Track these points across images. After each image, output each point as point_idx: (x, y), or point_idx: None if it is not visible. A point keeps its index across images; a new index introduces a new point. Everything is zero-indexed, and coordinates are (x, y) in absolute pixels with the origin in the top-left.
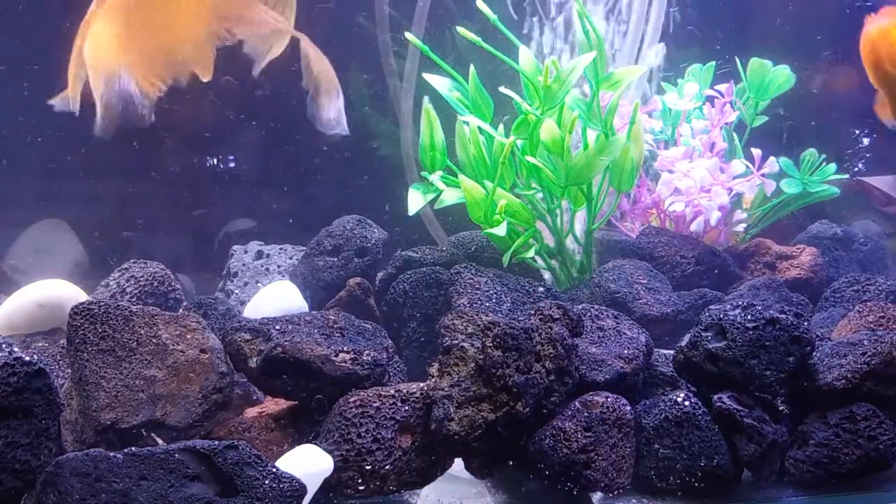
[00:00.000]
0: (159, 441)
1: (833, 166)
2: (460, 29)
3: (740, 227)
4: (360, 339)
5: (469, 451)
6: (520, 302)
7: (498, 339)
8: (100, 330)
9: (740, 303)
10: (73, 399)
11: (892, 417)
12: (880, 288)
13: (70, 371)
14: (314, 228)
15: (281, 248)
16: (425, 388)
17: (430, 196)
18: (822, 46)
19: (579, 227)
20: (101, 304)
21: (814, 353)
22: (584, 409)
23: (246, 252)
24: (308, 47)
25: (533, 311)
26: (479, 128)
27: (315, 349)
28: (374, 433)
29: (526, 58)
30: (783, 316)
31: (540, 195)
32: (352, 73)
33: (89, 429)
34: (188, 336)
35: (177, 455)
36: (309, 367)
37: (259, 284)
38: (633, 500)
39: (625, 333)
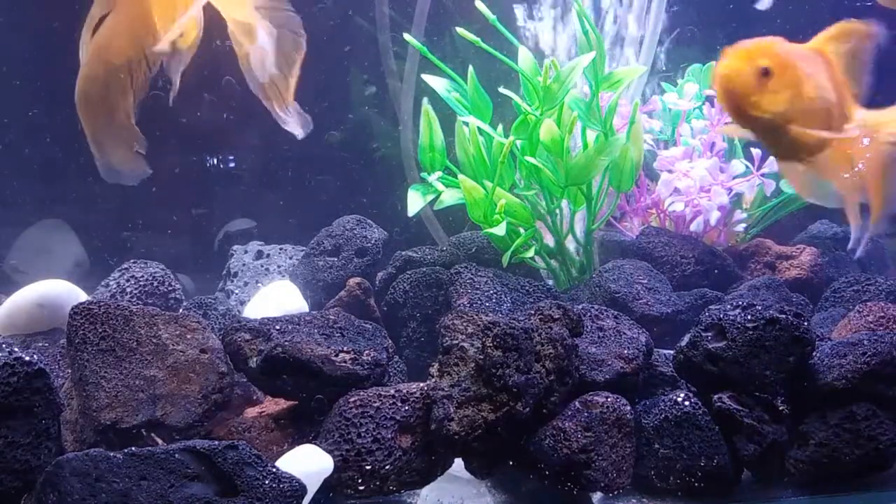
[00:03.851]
0: (159, 441)
1: None
2: (459, 30)
3: (740, 227)
4: (360, 339)
5: (469, 451)
6: (520, 302)
7: (498, 339)
8: (100, 330)
9: (740, 303)
10: (73, 399)
11: (892, 417)
12: (880, 288)
13: (70, 371)
14: (314, 228)
15: (281, 248)
16: (425, 388)
17: (430, 197)
18: None
19: (579, 227)
20: (101, 304)
21: (814, 353)
22: (584, 409)
23: (246, 252)
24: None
25: (533, 311)
26: (479, 128)
27: (315, 349)
28: (374, 433)
29: (525, 58)
30: (783, 316)
31: (540, 195)
32: (352, 73)
33: (89, 429)
34: (188, 336)
35: (177, 455)
36: (309, 367)
37: (259, 284)
38: (633, 500)
39: (625, 333)
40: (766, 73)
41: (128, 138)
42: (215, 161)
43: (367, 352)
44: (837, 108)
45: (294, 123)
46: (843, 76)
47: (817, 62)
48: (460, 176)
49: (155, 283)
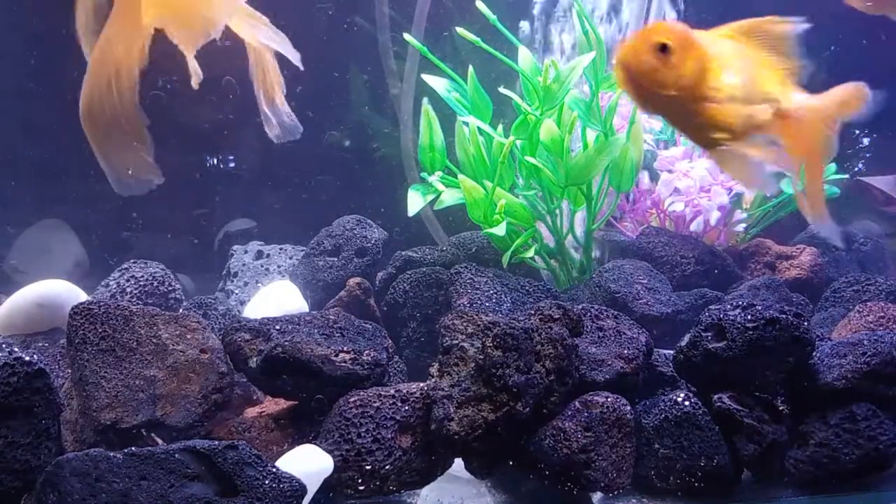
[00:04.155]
0: (159, 441)
1: (833, 166)
2: (459, 30)
3: (740, 227)
4: (360, 339)
5: (469, 451)
6: (520, 302)
7: (498, 339)
8: (100, 330)
9: (740, 303)
10: (73, 399)
11: (892, 417)
12: (880, 288)
13: (70, 371)
14: (314, 228)
15: (281, 248)
16: (425, 388)
17: (430, 197)
18: (822, 46)
19: (579, 228)
20: (101, 304)
21: (814, 353)
22: (584, 409)
23: (246, 252)
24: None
25: (533, 311)
26: (479, 128)
27: (315, 349)
28: (374, 433)
29: (525, 58)
30: (783, 316)
31: (540, 195)
32: (352, 73)
33: (89, 429)
34: (188, 336)
35: (177, 455)
36: (309, 367)
37: (259, 284)
38: (633, 500)
39: (625, 333)
40: (663, 49)
41: (135, 146)
42: (215, 161)
43: (367, 352)
44: (764, 90)
45: (277, 127)
46: (773, 59)
47: (730, 44)
48: (460, 176)
49: (155, 283)
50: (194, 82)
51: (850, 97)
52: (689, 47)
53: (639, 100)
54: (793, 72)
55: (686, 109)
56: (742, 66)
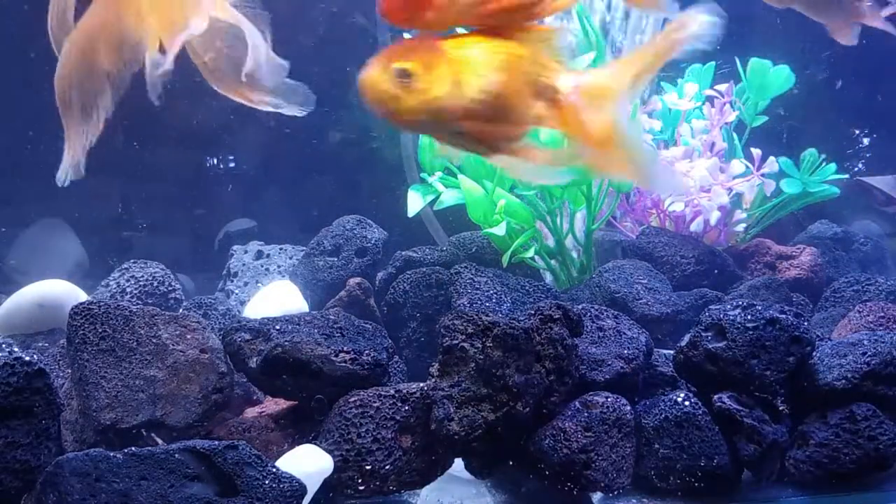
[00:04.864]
0: (159, 441)
1: (833, 166)
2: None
3: (740, 227)
4: (360, 339)
5: (469, 451)
6: (520, 302)
7: (498, 340)
8: (100, 330)
9: (740, 303)
10: (73, 399)
11: (893, 417)
12: (880, 288)
13: (70, 371)
14: (314, 228)
15: (281, 248)
16: (425, 388)
17: (430, 197)
18: (822, 46)
19: (579, 227)
20: (101, 304)
21: (814, 353)
22: (584, 409)
23: (246, 252)
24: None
25: (533, 311)
26: None
27: (315, 349)
28: (374, 433)
29: None
30: (783, 316)
31: (540, 195)
32: (352, 73)
33: (89, 429)
34: (188, 336)
35: (177, 455)
36: (309, 368)
37: (259, 284)
38: (634, 500)
39: (625, 333)
40: (404, 74)
41: (89, 136)
42: (216, 161)
43: (367, 352)
44: (533, 84)
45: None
46: (536, 51)
47: (485, 46)
48: (460, 176)
49: (155, 283)
50: (164, 72)
51: (653, 55)
52: (435, 64)
53: (395, 125)
54: (560, 60)
55: (451, 127)
56: (502, 66)
